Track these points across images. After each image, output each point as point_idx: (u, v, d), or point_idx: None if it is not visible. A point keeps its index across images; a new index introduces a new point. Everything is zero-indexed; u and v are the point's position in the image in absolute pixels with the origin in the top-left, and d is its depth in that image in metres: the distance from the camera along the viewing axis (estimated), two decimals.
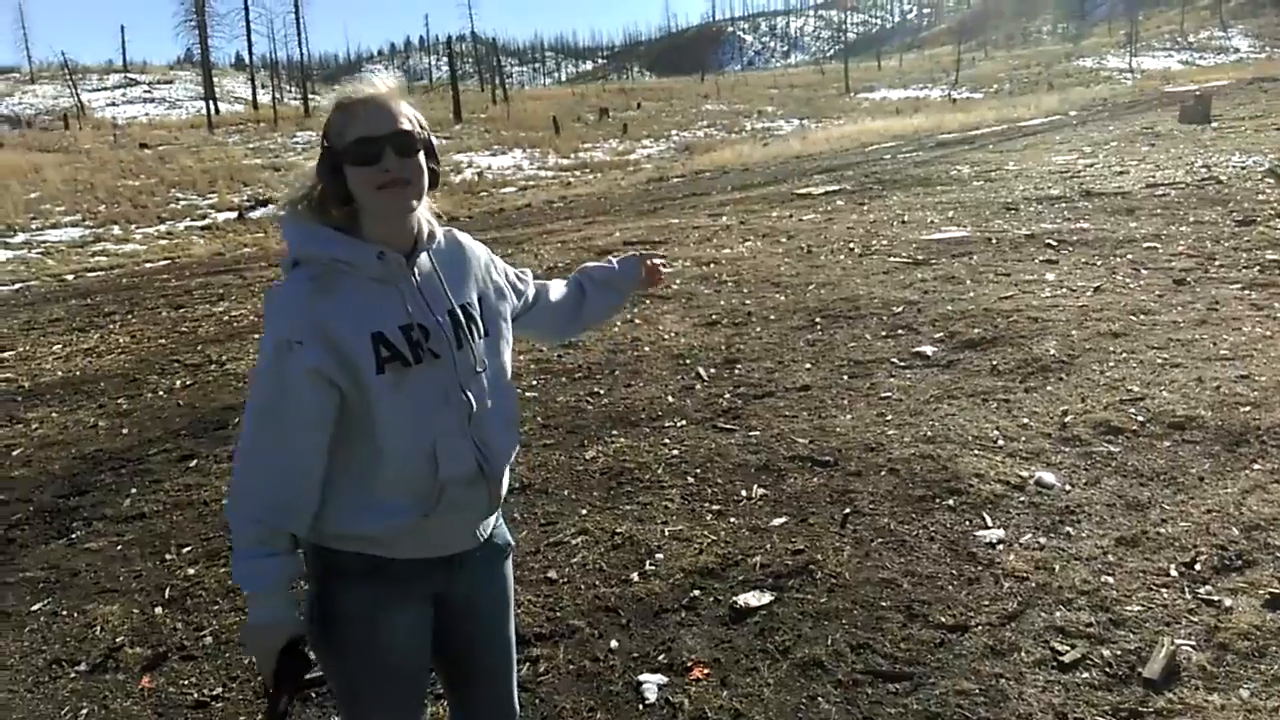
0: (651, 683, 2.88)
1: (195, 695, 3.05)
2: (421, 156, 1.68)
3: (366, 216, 1.69)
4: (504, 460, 1.81)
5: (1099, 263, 7.64)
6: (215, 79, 55.20)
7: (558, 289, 2.18)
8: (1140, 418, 4.43)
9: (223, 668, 3.17)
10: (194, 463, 5.14)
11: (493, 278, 1.88)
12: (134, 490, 4.83)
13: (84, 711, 3.01)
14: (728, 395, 5.38)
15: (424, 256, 1.74)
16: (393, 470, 1.67)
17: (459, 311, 1.75)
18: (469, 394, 1.73)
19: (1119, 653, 2.77)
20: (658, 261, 2.26)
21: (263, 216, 20.14)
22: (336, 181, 1.67)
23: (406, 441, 1.66)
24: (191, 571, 3.89)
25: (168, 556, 4.05)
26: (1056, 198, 11.07)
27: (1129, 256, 7.74)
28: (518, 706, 2.04)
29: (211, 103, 46.70)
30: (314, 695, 2.92)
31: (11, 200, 22.70)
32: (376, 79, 1.69)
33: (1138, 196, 10.56)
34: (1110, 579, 3.15)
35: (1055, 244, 8.45)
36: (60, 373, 7.39)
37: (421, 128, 1.70)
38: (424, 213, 1.76)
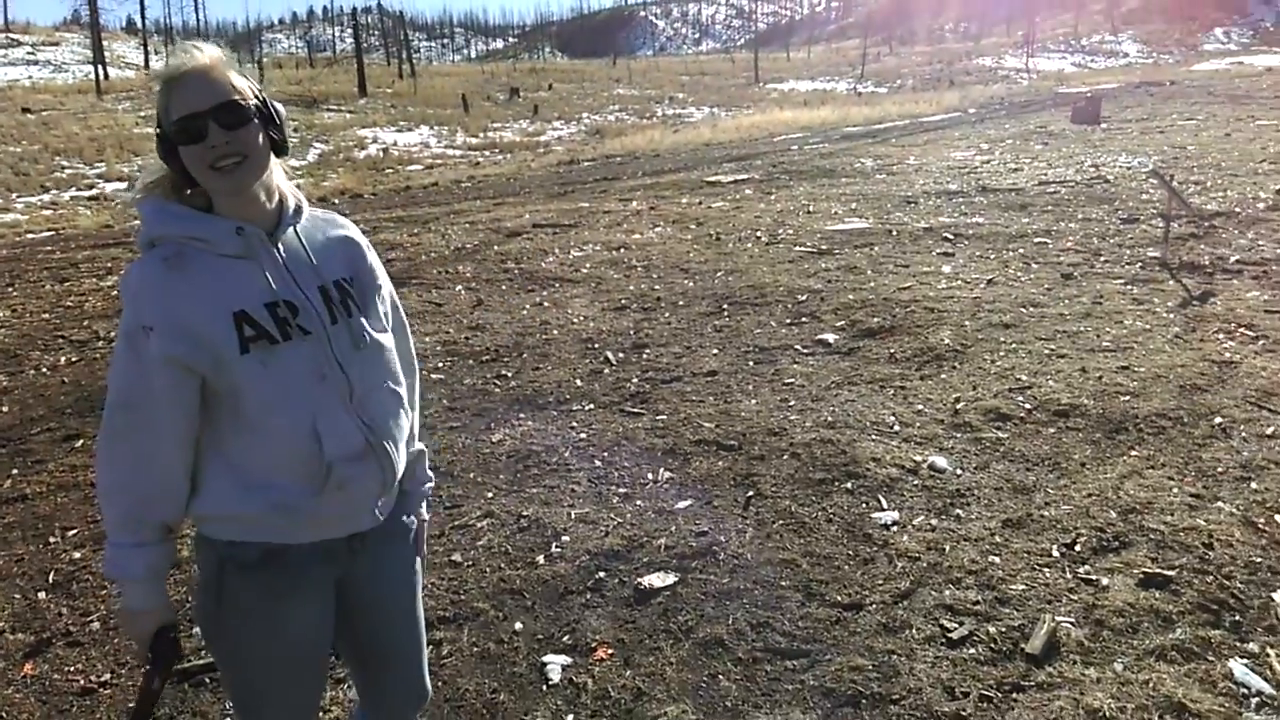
0: (555, 663, 2.90)
1: (82, 682, 2.94)
2: (256, 126, 1.60)
3: (213, 197, 1.63)
4: (392, 437, 1.74)
5: (992, 256, 7.93)
6: (105, 43, 52.54)
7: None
8: (1027, 405, 4.63)
9: (111, 653, 3.06)
10: (79, 442, 4.93)
11: (374, 275, 1.81)
12: (15, 471, 4.60)
13: None
14: (636, 380, 5.42)
15: (290, 231, 1.68)
16: (274, 451, 1.61)
17: (331, 288, 1.69)
18: (347, 371, 1.67)
19: (1004, 629, 2.91)
20: (425, 540, 2.03)
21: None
22: (174, 163, 1.61)
23: (284, 421, 1.60)
24: (77, 555, 3.74)
25: (51, 540, 3.89)
26: (954, 192, 11.43)
27: (1020, 251, 8.05)
28: (429, 686, 2.01)
29: (101, 67, 44.44)
30: (208, 681, 2.85)
31: None
32: (197, 51, 1.60)
33: (1030, 193, 10.97)
34: (997, 559, 3.30)
35: (952, 237, 8.73)
36: None
37: (256, 96, 1.62)
38: (282, 184, 1.69)
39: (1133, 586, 3.09)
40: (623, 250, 9.12)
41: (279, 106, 1.67)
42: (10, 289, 9.13)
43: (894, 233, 9.12)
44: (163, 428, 1.59)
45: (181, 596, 3.17)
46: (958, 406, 4.67)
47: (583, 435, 4.66)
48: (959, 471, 4.00)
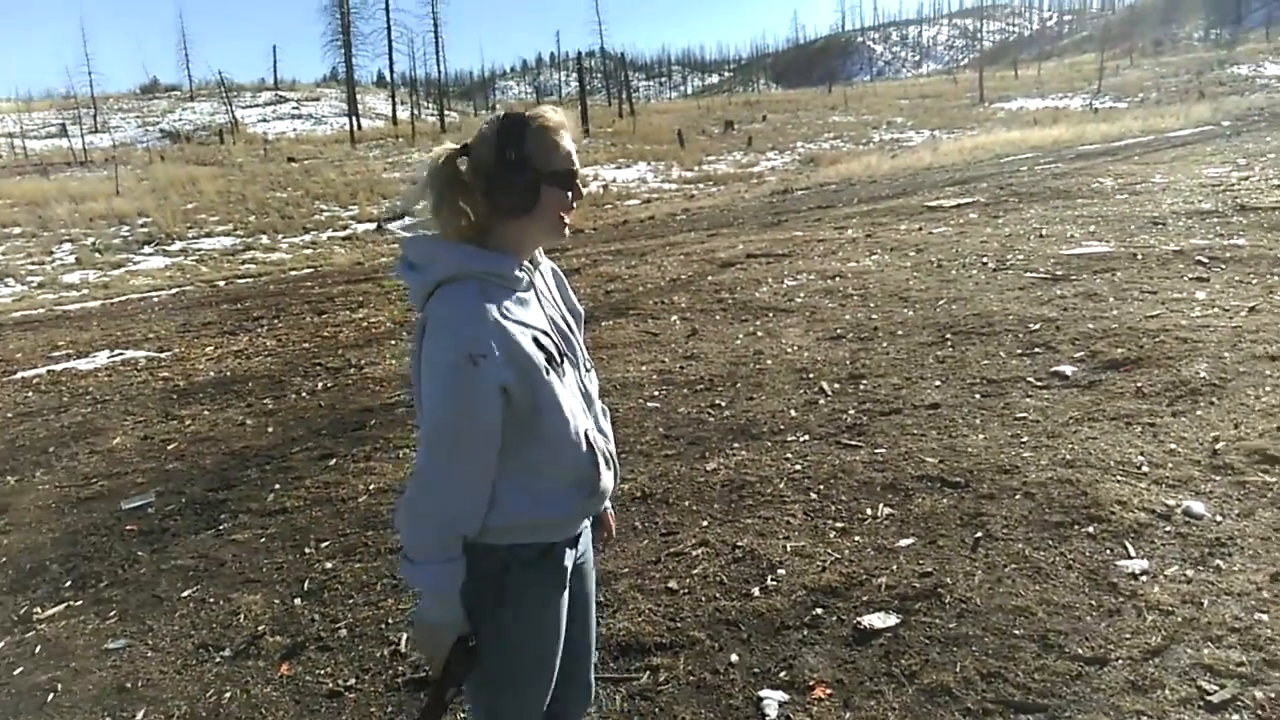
0: (772, 699, 2.85)
1: (330, 685, 3.18)
2: None
3: (509, 234, 1.79)
4: (610, 439, 1.97)
5: (1254, 281, 7.18)
6: (358, 96, 57.76)
7: None
8: None
9: (356, 659, 3.30)
10: (333, 461, 5.37)
11: (573, 300, 2.02)
12: (277, 486, 5.08)
13: (227, 695, 3.19)
14: (852, 411, 5.29)
15: (537, 272, 1.91)
16: (564, 460, 1.80)
17: (568, 319, 1.94)
18: (588, 388, 1.93)
19: (1274, 695, 2.59)
20: (610, 515, 2.22)
21: (399, 228, 20.93)
22: (529, 195, 1.75)
23: (569, 433, 1.79)
24: (329, 565, 4.07)
25: (307, 550, 4.25)
26: (1208, 212, 10.46)
27: None
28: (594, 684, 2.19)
29: (354, 118, 48.84)
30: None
31: (171, 210, 24.26)
32: (563, 113, 1.82)
33: None
34: (1264, 616, 2.96)
35: (1206, 261, 7.98)
36: (212, 373, 7.85)
37: None
38: None
39: None
40: (838, 279, 8.96)
41: None
42: (277, 320, 10.13)
43: (1139, 256, 8.44)
44: (488, 453, 1.73)
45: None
46: (1217, 447, 4.23)
47: (798, 467, 4.59)
48: (1219, 518, 3.62)
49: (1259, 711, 2.54)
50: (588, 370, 1.95)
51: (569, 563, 1.92)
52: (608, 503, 2.13)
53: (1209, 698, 2.61)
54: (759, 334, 7.27)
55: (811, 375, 6.03)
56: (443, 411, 1.68)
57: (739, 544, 3.87)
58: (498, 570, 1.80)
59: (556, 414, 1.77)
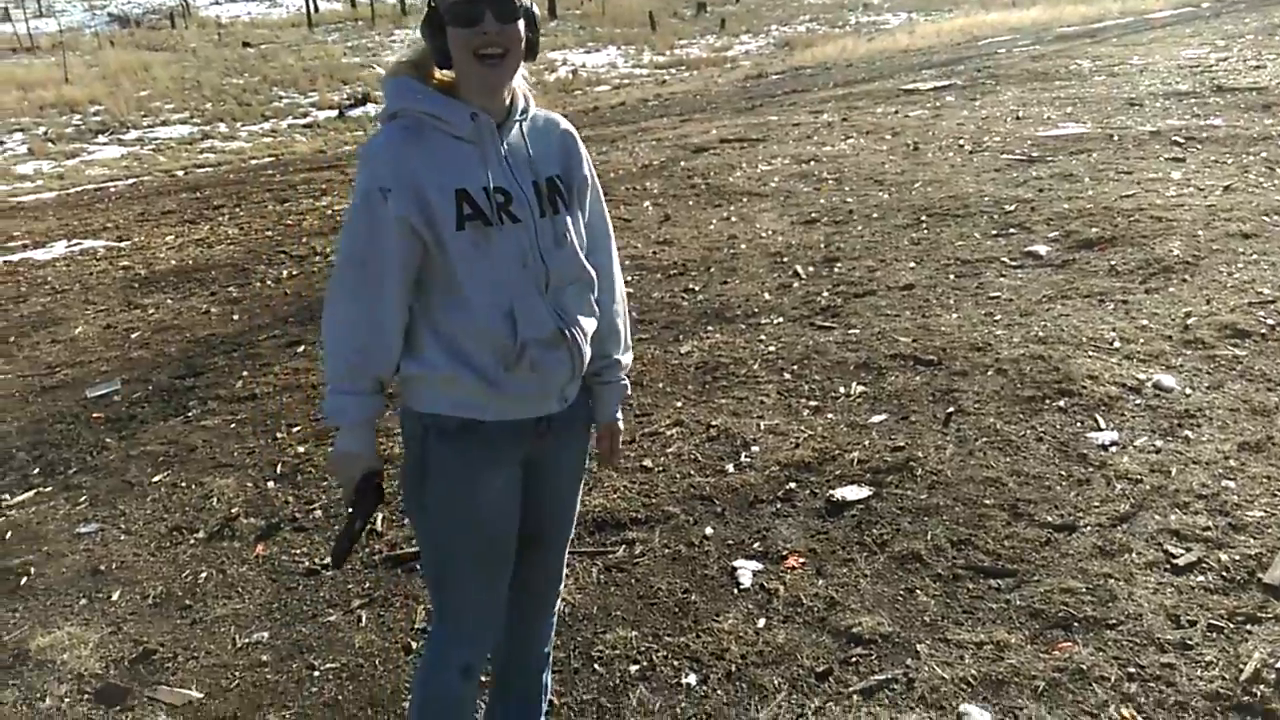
0: (746, 569, 2.89)
1: (306, 564, 3.19)
2: (521, 24, 1.68)
3: (462, 81, 1.71)
4: (582, 329, 1.81)
5: (1230, 161, 7.13)
6: None
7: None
8: (1270, 321, 4.17)
9: (332, 539, 3.30)
10: (301, 348, 5.30)
11: (583, 171, 1.87)
12: (245, 373, 5.01)
13: (203, 575, 3.19)
14: (826, 293, 5.26)
15: (515, 126, 1.77)
16: (475, 324, 1.71)
17: (543, 183, 1.78)
18: (547, 262, 1.75)
19: (1237, 558, 2.66)
20: (619, 446, 2.12)
21: (361, 115, 20.30)
22: (437, 41, 1.69)
23: (485, 299, 1.70)
24: (301, 449, 4.04)
25: (278, 435, 4.21)
26: (1185, 93, 10.33)
27: (1264, 154, 7.20)
28: (564, 575, 2.18)
29: (311, 1, 46.86)
30: (418, 568, 3.02)
31: (124, 98, 23.36)
32: None
33: (1276, 92, 9.77)
34: (1231, 484, 3.01)
35: (1182, 141, 7.91)
36: (174, 261, 7.66)
37: None
38: (519, 83, 1.78)
39: None
40: (813, 163, 8.82)
41: (536, 9, 1.74)
42: (238, 209, 9.86)
43: (1115, 137, 8.35)
44: (388, 285, 1.70)
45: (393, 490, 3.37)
46: (1188, 322, 4.26)
47: (771, 348, 4.58)
48: (1189, 391, 3.66)
49: (1223, 573, 2.61)
50: (561, 244, 1.76)
51: (508, 449, 1.81)
52: (617, 418, 2.04)
53: (1174, 560, 2.68)
54: (733, 219, 7.17)
55: (786, 259, 5.98)
56: (348, 240, 1.72)
57: (713, 423, 3.87)
58: (419, 438, 1.79)
59: (469, 275, 1.67)
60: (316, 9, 45.92)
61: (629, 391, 2.08)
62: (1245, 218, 5.63)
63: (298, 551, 3.27)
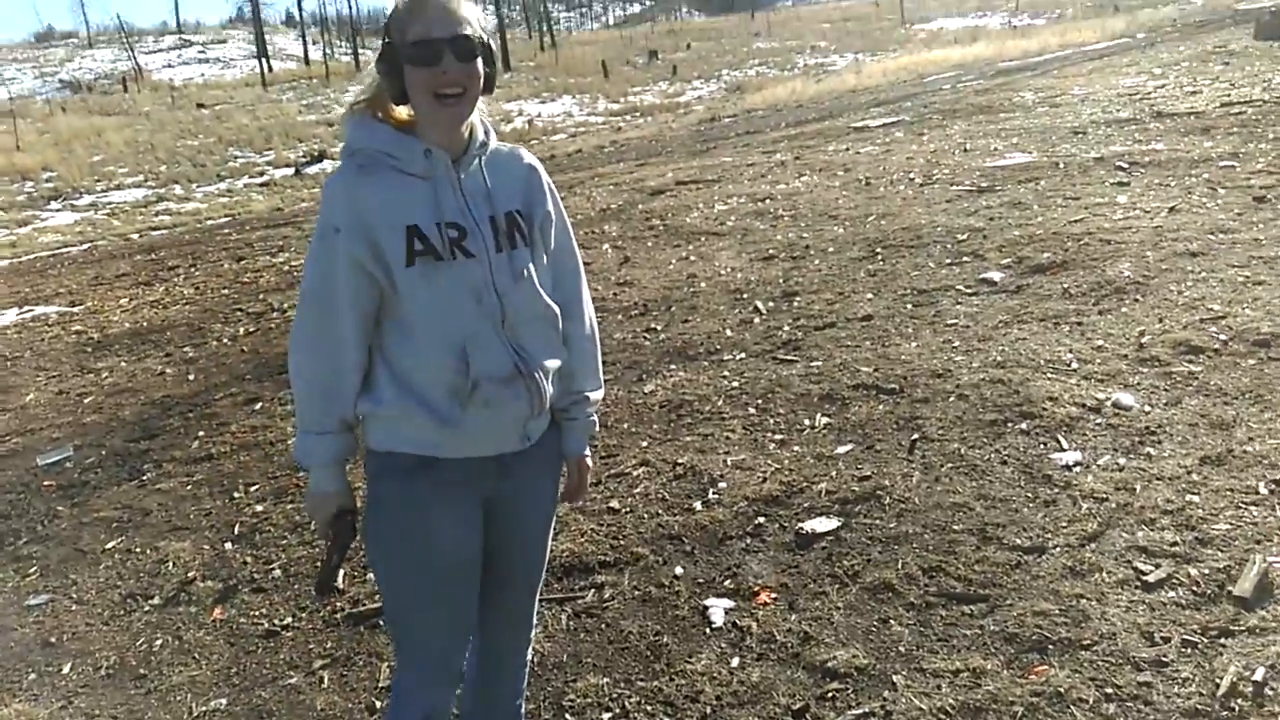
0: (718, 606, 2.84)
1: (266, 625, 3.09)
2: (479, 61, 1.68)
3: (421, 119, 1.70)
4: (542, 366, 1.78)
5: (1173, 183, 7.29)
6: (267, 36, 55.47)
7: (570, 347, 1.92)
8: (1223, 336, 4.23)
9: (292, 598, 3.21)
10: (259, 405, 5.20)
11: (546, 206, 1.84)
12: (201, 433, 4.90)
13: (158, 642, 3.08)
14: (787, 327, 5.28)
15: (475, 160, 1.74)
16: (427, 361, 1.69)
17: (501, 218, 1.75)
18: (503, 296, 1.72)
19: (1206, 571, 2.65)
20: (586, 483, 2.07)
21: (318, 172, 20.28)
22: (393, 79, 1.68)
23: (436, 335, 1.68)
24: (260, 509, 3.94)
25: (236, 495, 4.11)
26: (1126, 120, 10.60)
27: (1205, 176, 7.38)
28: (535, 620, 2.11)
29: (264, 60, 46.99)
30: (382, 624, 2.94)
31: (76, 164, 23.17)
32: None
33: (1212, 116, 10.05)
34: (1195, 498, 3.02)
35: (1126, 166, 8.09)
36: (128, 324, 7.54)
37: (482, 30, 1.70)
38: (477, 118, 1.76)
39: None
40: (768, 201, 8.91)
41: (493, 43, 1.74)
42: (194, 269, 9.77)
43: (1061, 165, 8.52)
44: (345, 324, 1.69)
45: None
46: (1143, 340, 4.31)
47: (735, 384, 4.57)
48: (1148, 408, 3.69)
49: (1193, 588, 2.60)
50: (519, 280, 1.73)
51: (466, 487, 1.77)
52: (585, 453, 2.00)
53: (1145, 578, 2.67)
54: (692, 258, 7.20)
55: (746, 295, 6.00)
56: (307, 279, 1.72)
57: (679, 461, 3.84)
58: (375, 475, 1.79)
59: (420, 311, 1.66)
60: (270, 69, 46.04)
61: (597, 427, 2.05)
62: (1192, 237, 5.74)
63: (256, 613, 3.17)
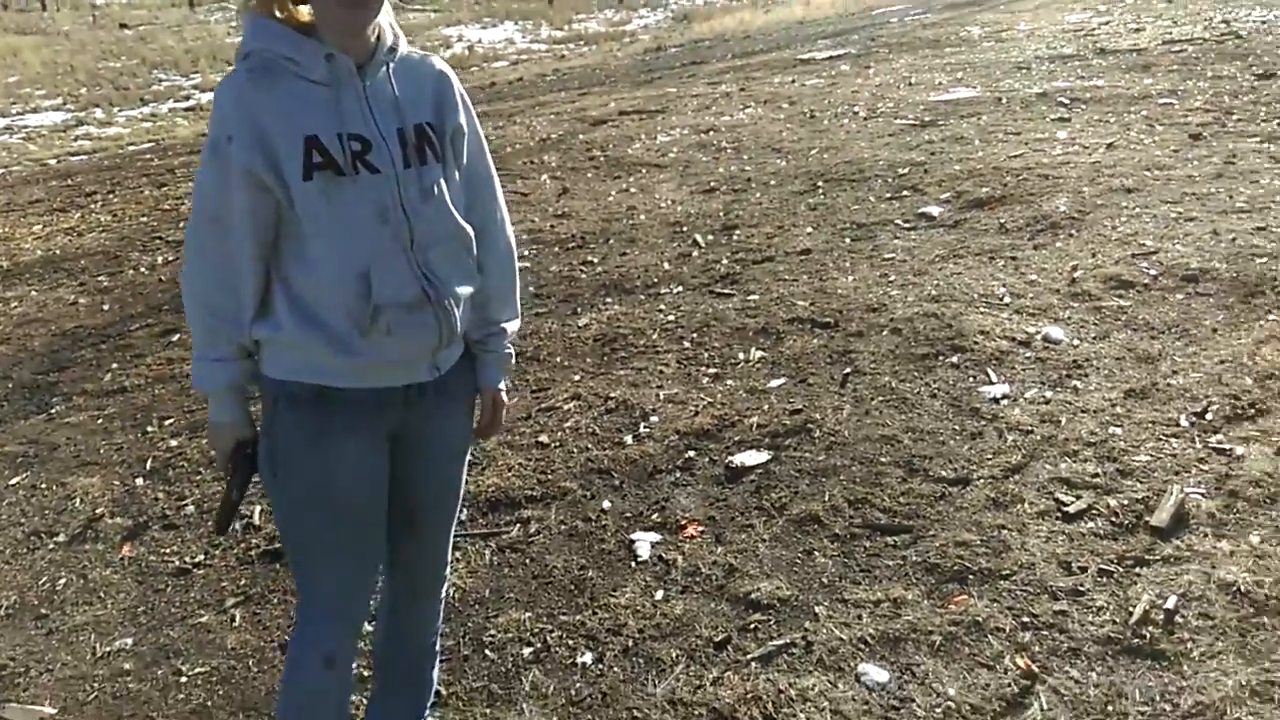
0: (644, 540, 2.81)
1: (177, 563, 2.99)
2: None
3: (320, 21, 1.56)
4: (453, 292, 1.67)
5: (1112, 120, 7.31)
6: None
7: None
8: (1153, 271, 4.25)
9: (204, 535, 3.10)
10: (176, 337, 5.00)
11: (459, 118, 1.71)
12: (115, 365, 4.70)
13: (61, 580, 2.96)
14: (725, 261, 5.20)
15: (382, 69, 1.61)
16: (325, 284, 1.57)
17: (411, 130, 1.62)
18: (412, 216, 1.60)
19: (1126, 502, 2.68)
20: (501, 419, 1.94)
21: None
22: None
23: (336, 256, 1.56)
24: (174, 443, 3.80)
25: (149, 429, 3.96)
26: (1069, 56, 10.59)
27: (1144, 113, 7.40)
28: (450, 558, 2.02)
29: None
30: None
31: None
32: None
33: (1154, 53, 10.09)
34: (1118, 430, 3.04)
35: (1067, 102, 8.09)
36: (40, 252, 7.19)
37: None
38: (385, 21, 1.61)
39: (1271, 455, 2.81)
40: (711, 133, 8.76)
41: None
42: (111, 195, 9.34)
43: (1004, 100, 8.50)
44: (238, 242, 1.58)
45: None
46: (1075, 275, 4.32)
47: (671, 317, 4.50)
48: (1076, 342, 3.70)
49: (1112, 518, 2.62)
50: (429, 198, 1.62)
51: (369, 419, 1.67)
52: (500, 387, 1.88)
53: (1065, 509, 2.69)
54: (632, 190, 7.06)
55: (685, 228, 5.90)
56: (198, 194, 1.61)
57: (611, 395, 3.77)
58: (270, 405, 1.69)
59: (319, 230, 1.54)
60: None
61: (514, 360, 1.94)
62: (1128, 173, 5.76)
63: (167, 551, 3.06)
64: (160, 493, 3.42)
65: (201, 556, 2.99)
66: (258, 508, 3.19)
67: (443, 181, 1.65)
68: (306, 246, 1.56)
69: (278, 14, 1.58)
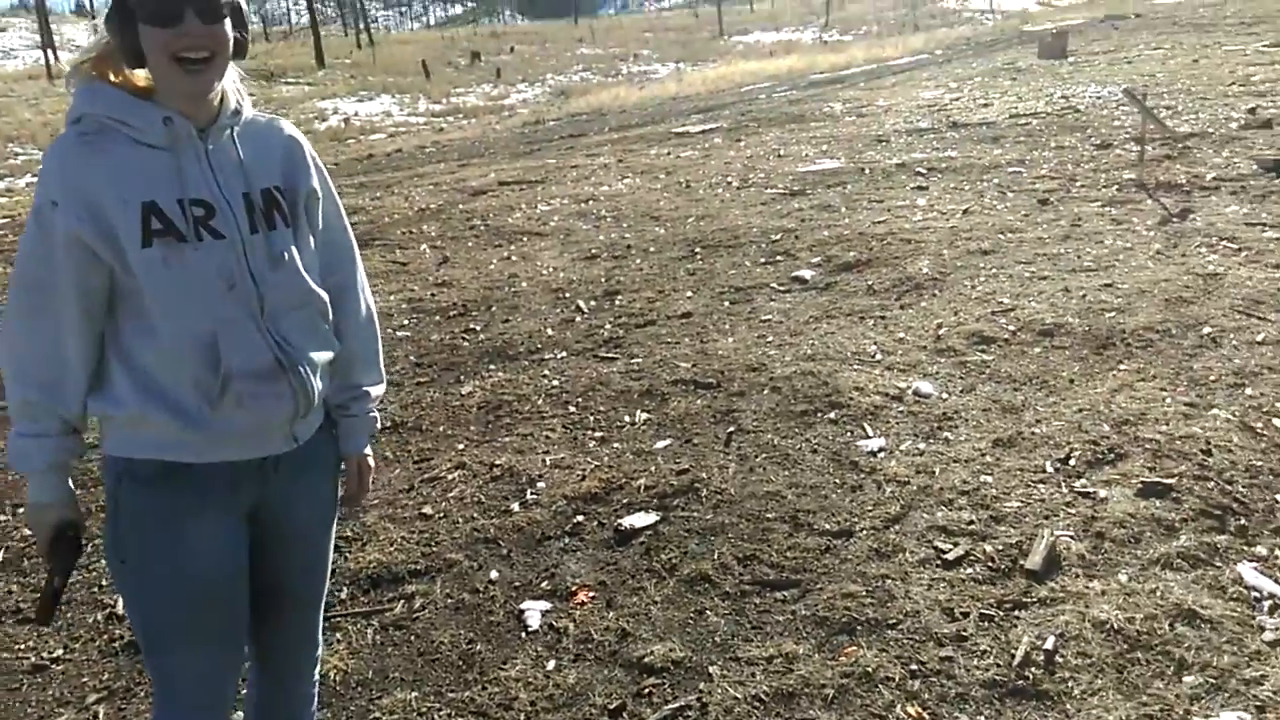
0: (534, 609, 2.75)
1: (33, 659, 2.76)
2: (228, 24, 1.50)
3: (160, 86, 1.50)
4: (308, 360, 1.61)
5: (967, 187, 7.78)
6: (54, 27, 51.15)
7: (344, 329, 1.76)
8: (1011, 327, 4.50)
9: (64, 628, 2.89)
10: None
11: (311, 182, 1.66)
12: None
13: None
14: (609, 326, 5.25)
15: (225, 131, 1.55)
16: (171, 355, 1.50)
17: (257, 195, 1.57)
18: (260, 283, 1.54)
19: (1001, 547, 2.78)
20: (368, 485, 1.90)
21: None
22: (127, 37, 1.46)
23: (180, 325, 1.49)
24: (28, 532, 3.54)
25: (2, 517, 3.69)
26: (925, 129, 11.24)
27: (995, 181, 7.90)
28: (321, 639, 1.91)
29: (50, 51, 43.29)
30: None
31: None
32: None
33: (1002, 126, 10.81)
34: (989, 478, 3.17)
35: (925, 172, 8.57)
36: None
37: None
38: (230, 83, 1.56)
39: (1132, 497, 2.98)
40: (591, 202, 8.90)
41: (244, 5, 1.55)
42: None
43: (866, 170, 8.94)
44: (65, 312, 1.49)
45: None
46: (940, 332, 4.53)
47: (555, 383, 4.49)
48: (945, 395, 3.87)
49: (989, 564, 2.72)
50: (279, 265, 1.56)
51: (223, 495, 1.59)
52: (365, 452, 1.83)
53: (944, 556, 2.77)
54: (513, 258, 7.09)
55: (568, 295, 5.94)
56: (20, 262, 1.51)
57: (497, 463, 3.72)
58: (113, 487, 1.57)
59: (161, 298, 1.47)
60: (56, 59, 42.50)
61: (379, 424, 1.89)
62: (983, 236, 6.12)
63: (21, 646, 2.83)
64: (14, 584, 3.17)
65: (60, 651, 2.77)
66: (120, 597, 2.99)
67: (294, 248, 1.60)
68: (147, 315, 1.49)
69: (112, 78, 1.52)
